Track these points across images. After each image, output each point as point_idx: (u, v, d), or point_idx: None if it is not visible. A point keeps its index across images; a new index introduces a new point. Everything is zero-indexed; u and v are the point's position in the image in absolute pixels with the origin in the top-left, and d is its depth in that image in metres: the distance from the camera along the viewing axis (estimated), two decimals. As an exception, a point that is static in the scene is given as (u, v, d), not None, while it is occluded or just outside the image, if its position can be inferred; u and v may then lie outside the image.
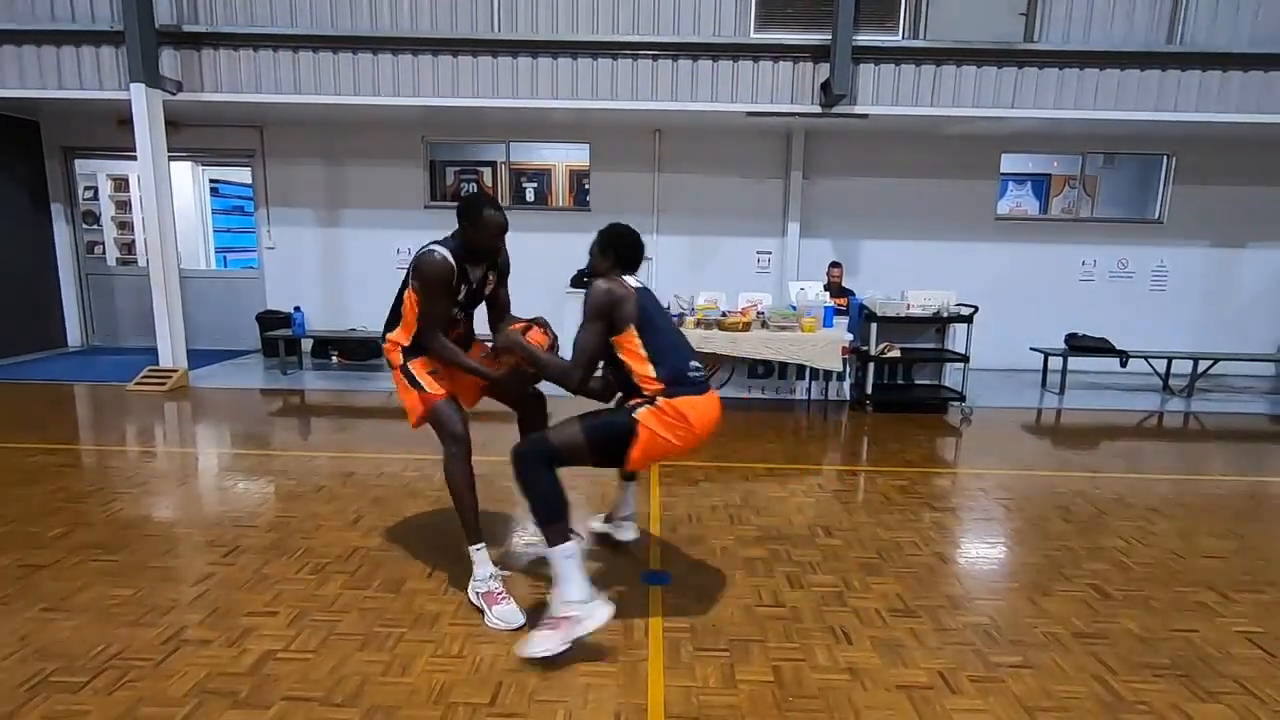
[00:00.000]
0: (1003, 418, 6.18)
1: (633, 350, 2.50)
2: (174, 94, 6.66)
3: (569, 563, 2.30)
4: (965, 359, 6.11)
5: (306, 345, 7.98)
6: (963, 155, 7.99)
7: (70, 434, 5.21)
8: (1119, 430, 5.99)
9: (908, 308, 6.10)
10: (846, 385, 6.40)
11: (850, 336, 5.96)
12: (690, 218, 8.19)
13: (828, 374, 6.06)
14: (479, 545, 2.71)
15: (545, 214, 8.41)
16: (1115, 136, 7.73)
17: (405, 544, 3.25)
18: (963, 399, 6.11)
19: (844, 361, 5.97)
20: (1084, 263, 8.20)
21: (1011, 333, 7.89)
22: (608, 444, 2.45)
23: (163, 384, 6.45)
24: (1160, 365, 7.23)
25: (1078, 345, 7.21)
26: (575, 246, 8.09)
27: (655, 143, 8.03)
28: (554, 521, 2.33)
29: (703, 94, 6.79)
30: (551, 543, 2.32)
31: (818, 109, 6.78)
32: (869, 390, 6.17)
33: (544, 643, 2.28)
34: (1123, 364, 7.08)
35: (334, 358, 7.98)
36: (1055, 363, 7.20)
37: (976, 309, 6.07)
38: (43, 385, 6.67)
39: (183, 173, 8.60)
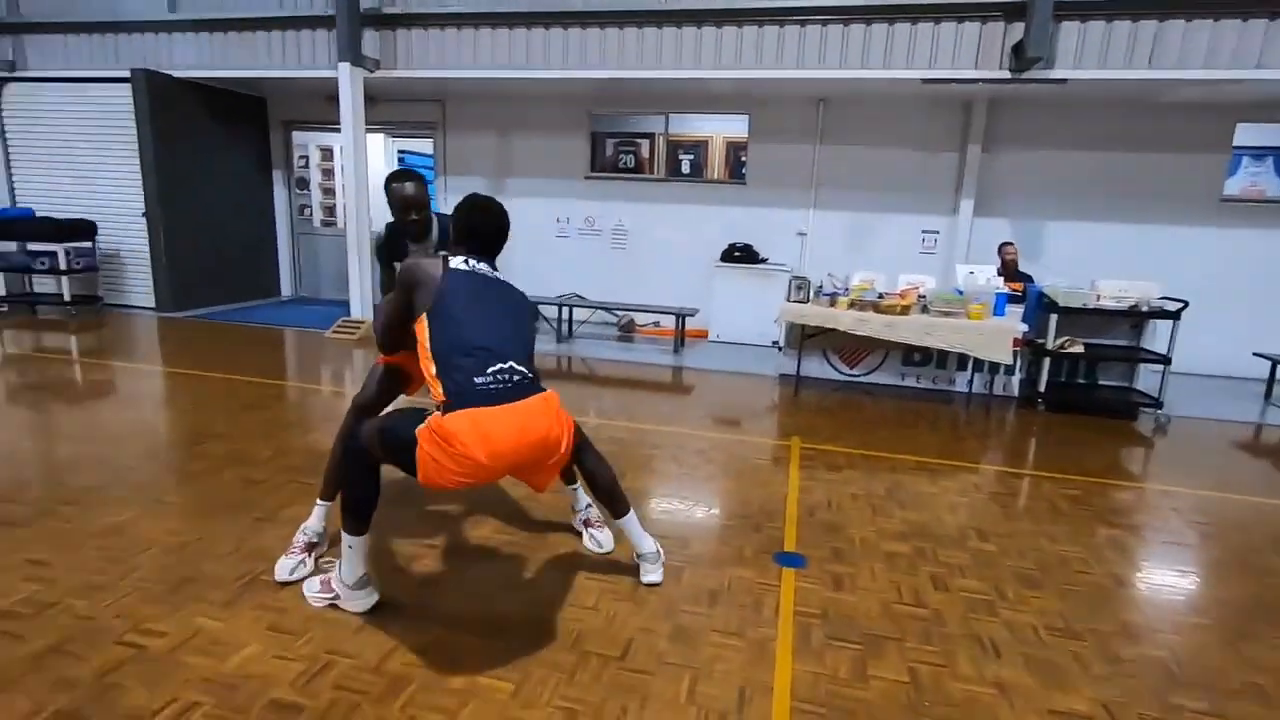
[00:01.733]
0: (1209, 431, 5.37)
1: (421, 344, 2.11)
2: (372, 71, 7.35)
3: (350, 551, 2.27)
4: (1166, 360, 5.34)
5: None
6: (1184, 125, 6.90)
7: (279, 371, 6.04)
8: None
9: (1097, 299, 5.43)
10: (1016, 380, 5.85)
11: (1024, 327, 5.42)
12: (850, 193, 7.79)
13: (994, 366, 5.58)
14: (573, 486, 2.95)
15: (699, 186, 8.38)
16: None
17: (547, 498, 3.43)
18: (1159, 405, 5.37)
19: (1015, 354, 5.46)
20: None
21: (1230, 334, 6.79)
22: (397, 454, 2.08)
23: (353, 333, 7.27)
24: None
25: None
26: (728, 220, 8.05)
27: (819, 113, 7.69)
28: (349, 512, 2.24)
29: (874, 60, 6.38)
30: (344, 527, 2.26)
31: (1006, 74, 6.13)
32: (1042, 387, 5.60)
33: (311, 590, 2.43)
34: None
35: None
36: (1286, 372, 6.11)
37: (1185, 304, 5.27)
38: (260, 328, 7.75)
39: (376, 143, 9.51)
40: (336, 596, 2.37)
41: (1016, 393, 5.86)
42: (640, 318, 8.29)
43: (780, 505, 3.47)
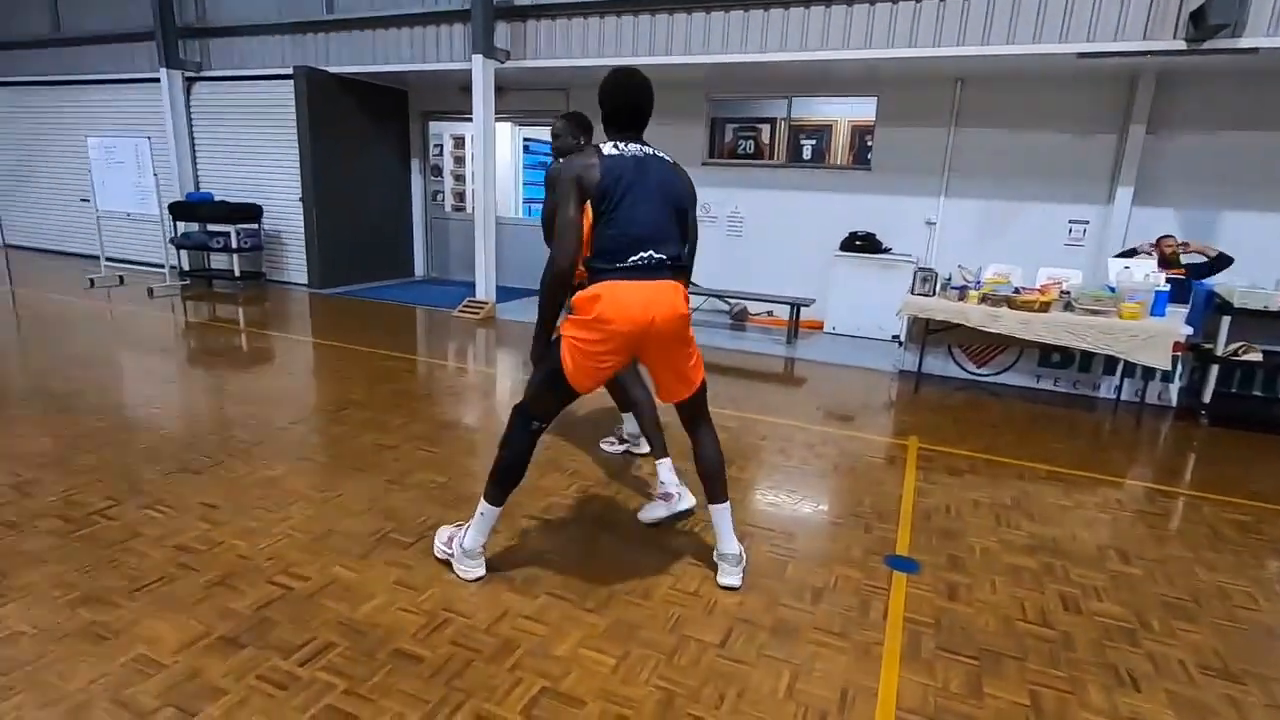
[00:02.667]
0: None
1: (585, 232, 2.21)
2: (503, 62, 7.66)
3: (480, 518, 2.45)
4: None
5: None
6: None
7: (410, 346, 6.48)
8: None
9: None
10: (1174, 388, 5.26)
11: (1189, 330, 4.85)
12: (986, 179, 7.24)
13: (1149, 372, 5.03)
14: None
15: (820, 173, 8.09)
16: None
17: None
18: (1356, 426, 4.64)
19: (1175, 359, 4.90)
20: None
21: None
22: (550, 372, 2.26)
23: (477, 313, 7.67)
24: None
25: None
26: (851, 208, 7.74)
27: (955, 94, 7.19)
28: (494, 479, 2.40)
29: (1023, 34, 5.86)
30: (485, 494, 2.43)
31: (1182, 45, 5.45)
32: (1206, 398, 4.99)
33: (439, 539, 2.62)
34: None
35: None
36: None
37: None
38: (395, 306, 8.34)
39: (504, 132, 9.93)
40: (452, 556, 2.54)
41: (1174, 402, 5.27)
42: (753, 307, 8.17)
43: (894, 506, 3.32)
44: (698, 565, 2.69)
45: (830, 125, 8.71)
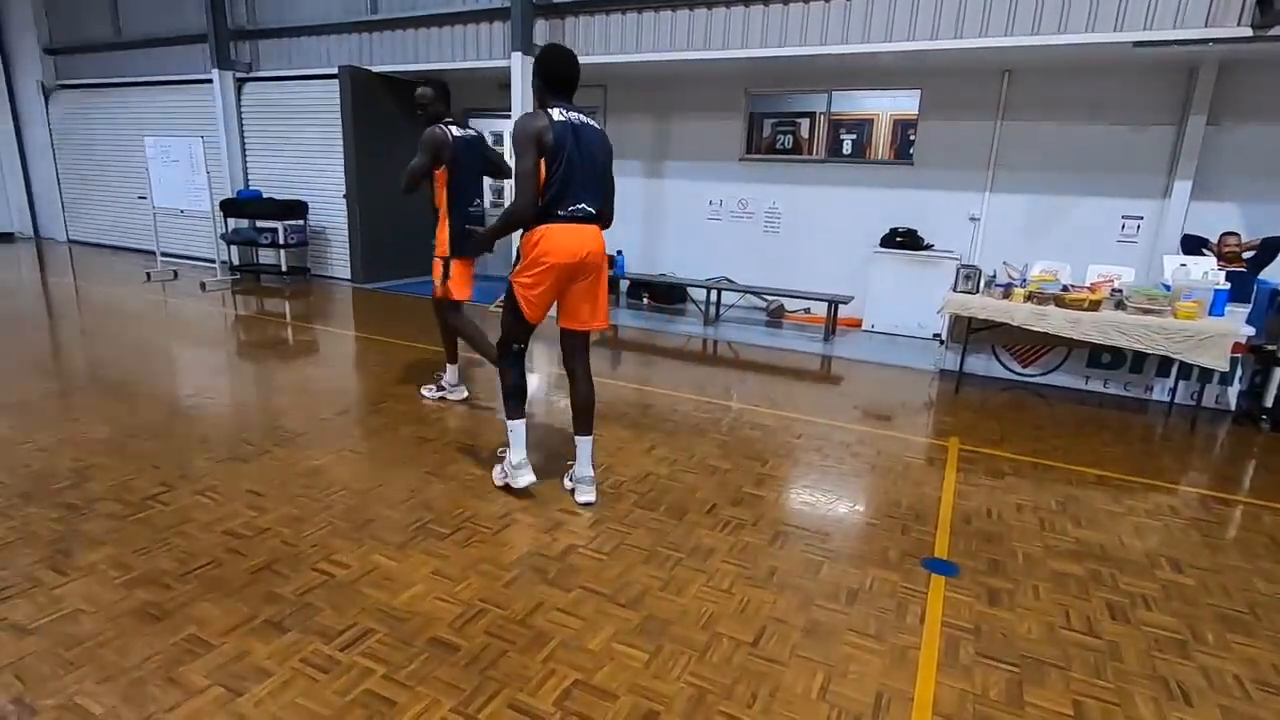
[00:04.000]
0: None
1: (540, 178, 2.73)
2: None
3: (514, 434, 3.04)
4: None
5: (623, 286, 8.87)
6: None
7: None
8: None
9: (1355, 300, 4.51)
10: (1233, 391, 5.04)
11: (1250, 330, 4.63)
12: (1034, 173, 7.02)
13: (1206, 374, 4.83)
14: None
15: (862, 167, 7.95)
16: None
17: (690, 478, 3.48)
18: None
19: (1234, 361, 4.69)
20: None
21: None
22: (512, 311, 2.95)
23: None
24: None
25: None
26: (892, 203, 7.59)
27: (1002, 86, 6.98)
28: (508, 399, 3.04)
29: (1076, 23, 5.66)
30: (507, 414, 3.04)
31: (1248, 32, 5.20)
32: (1269, 402, 4.77)
33: (496, 476, 3.23)
34: None
35: (645, 299, 8.72)
36: None
37: None
38: (415, 299, 8.45)
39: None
40: (507, 478, 3.08)
41: (1233, 406, 5.04)
42: (790, 304, 8.09)
43: (933, 508, 3.26)
44: (731, 563, 2.68)
45: (871, 119, 8.56)
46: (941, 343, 5.99)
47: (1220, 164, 6.36)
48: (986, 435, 4.37)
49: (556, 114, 2.73)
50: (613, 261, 8.46)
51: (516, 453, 3.04)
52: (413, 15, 8.46)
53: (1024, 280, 5.32)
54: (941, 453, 4.04)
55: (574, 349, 3.07)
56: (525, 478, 3.05)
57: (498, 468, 3.21)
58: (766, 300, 8.24)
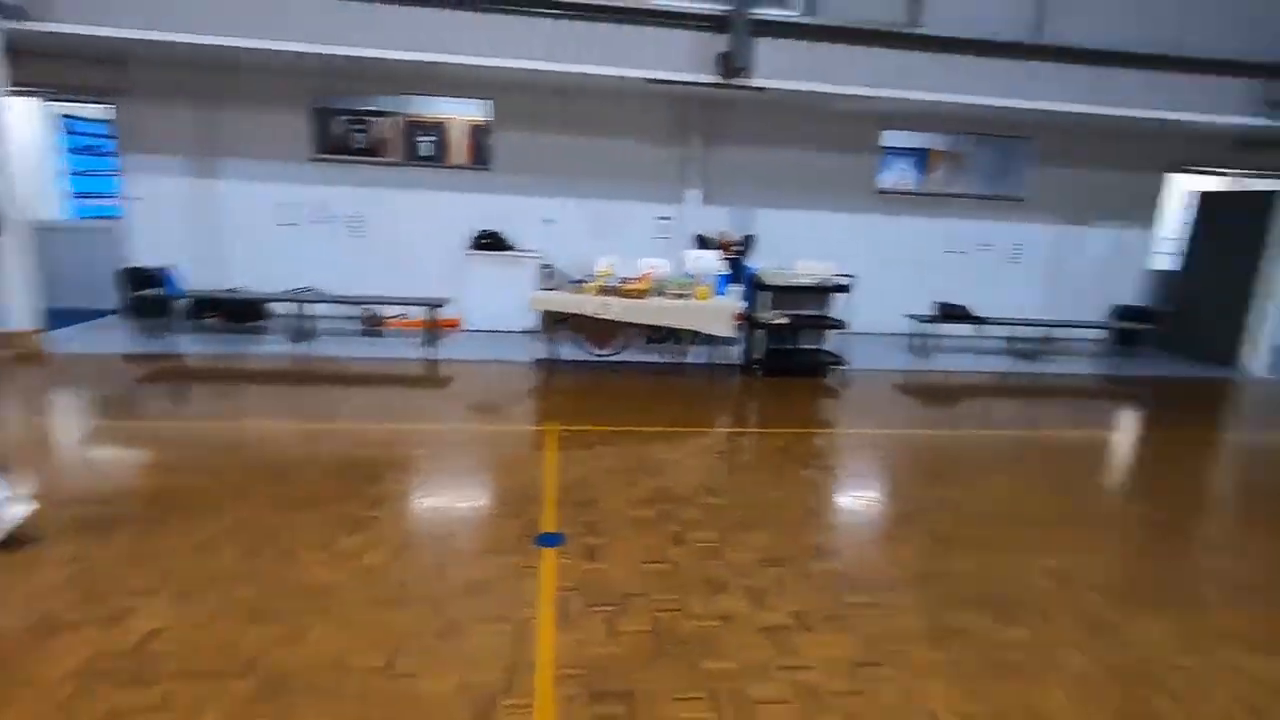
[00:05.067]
0: (879, 379, 6.73)
1: None
2: (19, 21, 5.90)
3: None
4: (840, 325, 6.58)
5: (183, 306, 7.47)
6: (848, 130, 8.41)
7: None
8: (983, 389, 6.68)
9: (795, 278, 6.47)
10: (738, 351, 6.75)
11: (744, 304, 6.26)
12: (592, 181, 8.20)
13: (723, 339, 6.37)
14: None
15: (443, 172, 8.16)
16: (985, 119, 8.34)
17: (300, 516, 3.23)
18: (842, 363, 6.59)
19: (737, 328, 6.29)
20: (954, 235, 8.90)
21: (892, 299, 8.48)
22: None
23: (8, 350, 5.88)
24: (1013, 331, 8.09)
25: (946, 314, 7.89)
26: (476, 207, 7.99)
27: (562, 103, 7.94)
28: None
29: (604, 56, 6.76)
30: None
31: (718, 79, 6.92)
32: (758, 356, 6.54)
33: None
34: (974, 328, 7.82)
35: (211, 319, 7.46)
36: (927, 328, 7.86)
37: (851, 278, 6.52)
38: None
39: (26, 109, 7.67)
40: None
41: (741, 362, 6.77)
42: (387, 310, 7.90)
43: (539, 488, 3.66)
44: (357, 593, 2.62)
45: (445, 122, 8.79)
46: (534, 336, 6.62)
47: (718, 176, 8.35)
48: (578, 413, 5.04)
49: None
50: (163, 278, 7.09)
51: None
52: None
53: (592, 275, 6.22)
54: (542, 436, 4.53)
55: None
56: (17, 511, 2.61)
57: None
58: (361, 309, 7.90)
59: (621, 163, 8.20)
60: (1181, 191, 9.23)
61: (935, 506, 3.73)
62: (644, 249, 7.77)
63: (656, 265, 6.63)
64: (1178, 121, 7.65)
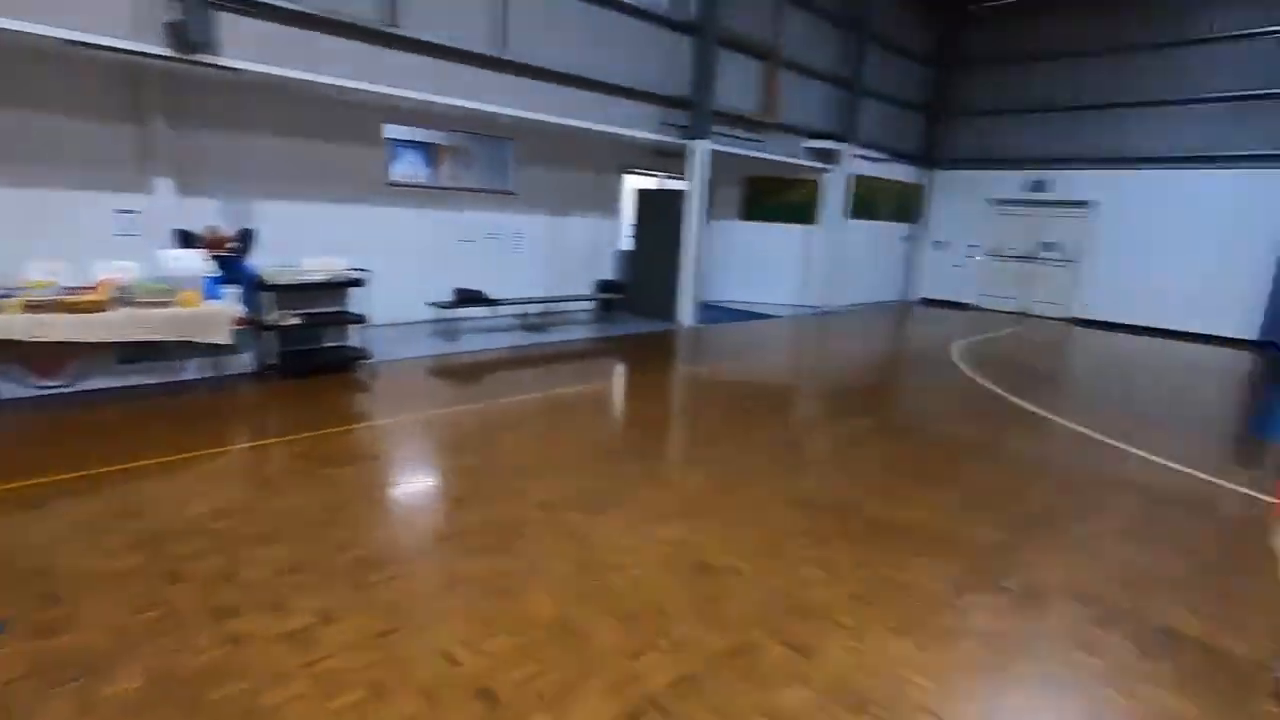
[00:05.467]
0: (410, 367, 6.96)
1: None
2: None
3: None
4: (360, 320, 6.60)
5: None
6: (353, 121, 8.29)
7: None
8: (502, 363, 7.50)
9: (303, 275, 6.18)
10: (247, 357, 6.14)
11: (244, 308, 5.71)
12: (16, 165, 6.26)
13: (221, 348, 5.70)
14: None
15: None
16: (472, 120, 9.16)
17: None
18: (367, 356, 6.61)
19: (239, 333, 5.71)
20: (465, 226, 9.66)
21: (413, 289, 8.77)
22: None
23: None
24: (523, 309, 9.29)
25: (463, 298, 8.58)
26: None
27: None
28: None
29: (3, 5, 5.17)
30: None
31: (170, 52, 5.98)
32: (271, 360, 6.07)
33: None
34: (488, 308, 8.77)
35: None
36: (448, 313, 8.42)
37: (366, 272, 6.58)
38: None
39: None
40: None
41: (254, 368, 6.17)
42: None
43: (-37, 577, 2.82)
44: None
45: None
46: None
47: (201, 164, 7.24)
48: (21, 468, 3.93)
49: None
50: None
51: None
52: None
53: (18, 289, 4.84)
54: (-40, 507, 3.44)
55: None
56: None
57: None
58: None
59: (54, 143, 6.46)
60: (631, 189, 11.84)
61: (454, 475, 4.16)
62: (105, 249, 6.36)
63: (122, 269, 5.52)
64: (617, 135, 9.75)
